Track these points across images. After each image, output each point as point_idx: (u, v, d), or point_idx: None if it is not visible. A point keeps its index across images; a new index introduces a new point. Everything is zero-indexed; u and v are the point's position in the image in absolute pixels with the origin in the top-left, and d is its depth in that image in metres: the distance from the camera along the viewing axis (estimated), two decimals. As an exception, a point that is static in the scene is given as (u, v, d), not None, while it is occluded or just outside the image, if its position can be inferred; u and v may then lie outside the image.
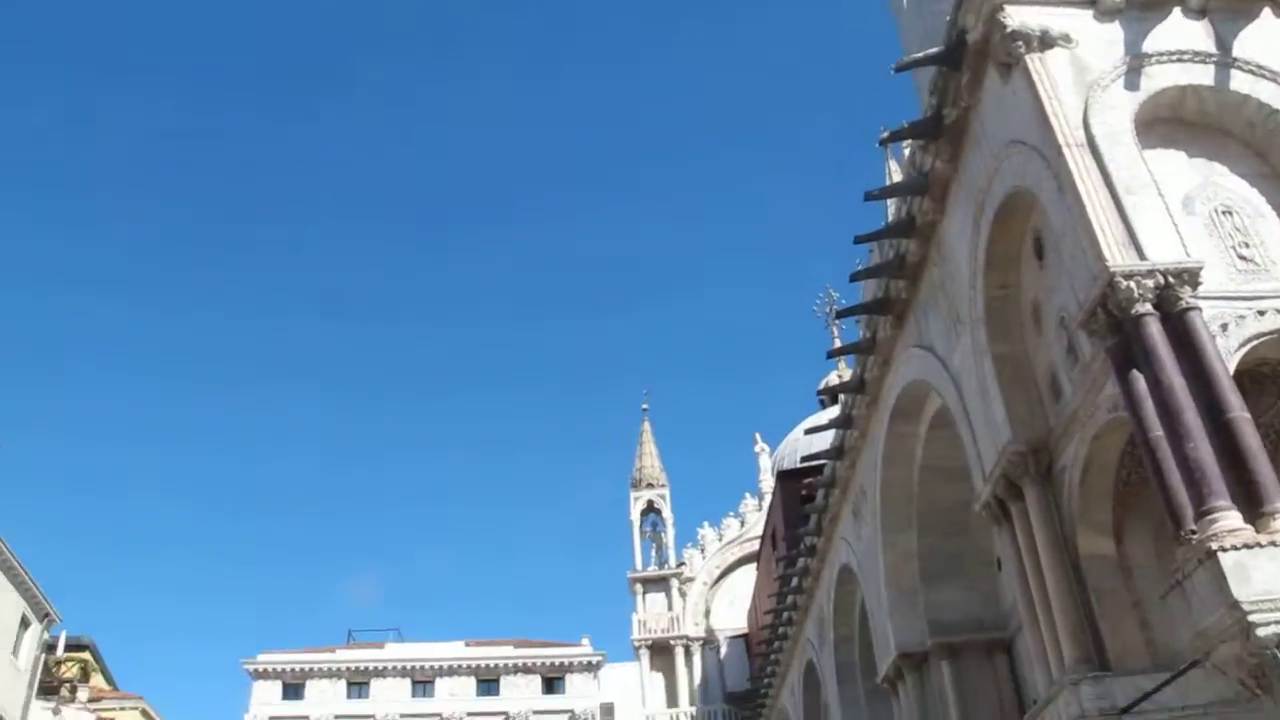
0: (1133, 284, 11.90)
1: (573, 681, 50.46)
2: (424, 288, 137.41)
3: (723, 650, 43.93)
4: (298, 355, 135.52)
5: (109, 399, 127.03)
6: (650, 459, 49.23)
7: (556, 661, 50.88)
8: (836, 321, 45.05)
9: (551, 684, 50.61)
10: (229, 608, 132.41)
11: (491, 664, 50.95)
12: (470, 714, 49.52)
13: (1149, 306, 11.86)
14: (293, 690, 51.17)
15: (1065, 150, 13.07)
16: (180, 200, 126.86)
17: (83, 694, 40.63)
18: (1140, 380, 11.81)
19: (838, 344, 34.55)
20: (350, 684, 51.29)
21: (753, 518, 46.11)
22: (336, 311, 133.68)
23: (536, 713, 49.35)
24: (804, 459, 32.57)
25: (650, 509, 47.75)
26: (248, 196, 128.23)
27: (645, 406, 51.93)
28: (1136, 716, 12.83)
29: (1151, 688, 12.53)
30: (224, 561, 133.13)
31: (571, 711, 49.33)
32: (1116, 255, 12.19)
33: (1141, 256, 12.17)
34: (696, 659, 43.80)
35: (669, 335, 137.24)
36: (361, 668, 51.28)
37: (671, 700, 43.09)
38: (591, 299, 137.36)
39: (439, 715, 49.57)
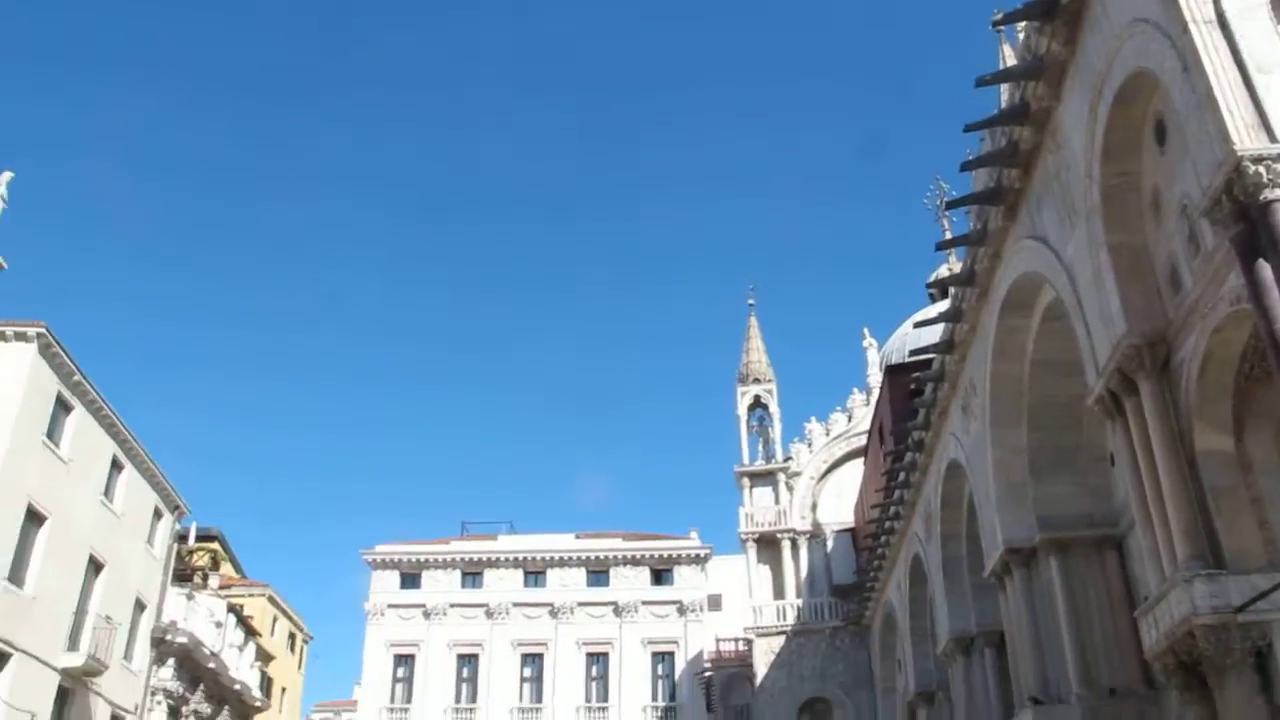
0: (1261, 168, 11.25)
1: (681, 573, 51.40)
2: (523, 180, 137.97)
3: (829, 544, 44.11)
4: (405, 248, 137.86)
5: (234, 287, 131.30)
6: (757, 354, 49.03)
7: (665, 554, 51.80)
8: (946, 213, 43.87)
9: (660, 575, 51.64)
10: (350, 499, 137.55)
11: (601, 555, 52.09)
12: (580, 603, 50.87)
13: (1279, 193, 11.23)
14: (410, 579, 53.02)
15: (1192, 27, 12.29)
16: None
17: (214, 581, 42.69)
18: (1267, 270, 11.24)
19: (948, 236, 33.69)
20: (464, 574, 52.93)
21: (860, 413, 45.81)
22: (439, 214, 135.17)
23: (645, 603, 50.49)
24: (912, 353, 32.03)
25: (757, 404, 47.71)
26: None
27: (751, 302, 51.55)
28: (1251, 615, 12.55)
29: (1268, 587, 12.21)
30: (343, 453, 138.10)
31: (679, 602, 50.33)
32: (1245, 138, 11.50)
33: (1272, 139, 11.47)
34: (803, 552, 44.07)
35: (777, 229, 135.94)
36: (475, 558, 52.83)
37: (778, 592, 43.54)
38: (699, 192, 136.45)
39: (550, 604, 51.03)
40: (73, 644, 30.21)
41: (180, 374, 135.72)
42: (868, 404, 44.85)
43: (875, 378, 44.97)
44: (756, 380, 47.96)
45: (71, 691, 30.31)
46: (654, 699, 49.17)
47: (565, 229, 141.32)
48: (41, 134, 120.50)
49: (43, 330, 28.12)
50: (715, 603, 51.98)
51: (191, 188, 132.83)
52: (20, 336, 27.99)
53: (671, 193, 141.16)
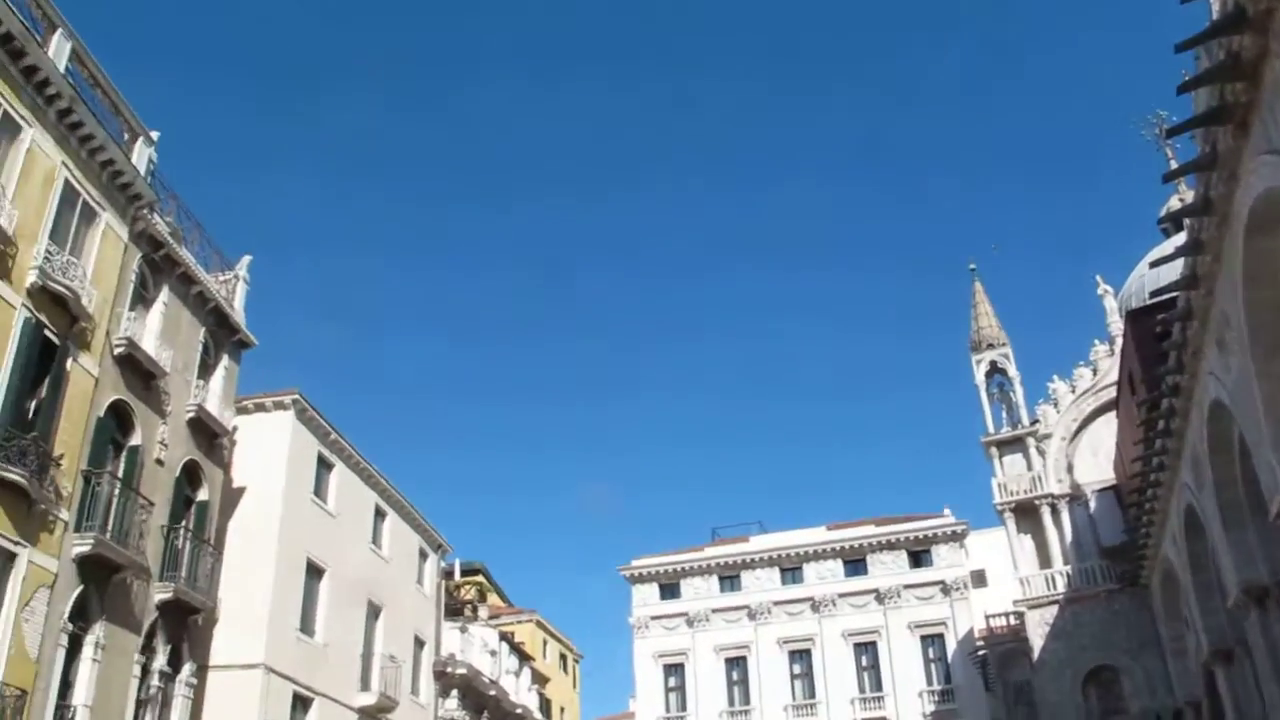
0: None
1: (939, 553, 50.12)
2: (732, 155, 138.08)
3: (1091, 504, 41.98)
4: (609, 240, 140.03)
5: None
6: (987, 319, 47.39)
7: (920, 535, 50.63)
8: (1168, 141, 41.24)
9: (918, 557, 50.49)
10: (598, 517, 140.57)
11: (856, 544, 51.39)
12: (840, 595, 50.32)
13: None
14: (669, 590, 53.77)
15: None
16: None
17: (483, 612, 44.52)
18: None
19: (1173, 165, 31.67)
20: (721, 578, 53.28)
21: (1105, 364, 43.50)
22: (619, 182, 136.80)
23: (906, 587, 49.46)
24: (1153, 294, 30.24)
25: (994, 370, 46.09)
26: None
27: (973, 267, 49.85)
28: None
29: None
30: (587, 471, 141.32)
31: (942, 582, 49.07)
32: None
33: None
34: (1064, 516, 42.14)
35: (993, 201, 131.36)
36: (730, 561, 53.09)
37: (1043, 561, 41.77)
38: (913, 174, 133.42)
39: (810, 599, 50.71)
40: (364, 684, 32.06)
41: (421, 403, 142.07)
42: (1112, 354, 42.58)
43: (1116, 325, 42.70)
44: (990, 345, 46.31)
45: (370, 729, 32.18)
46: (928, 683, 48.08)
47: (799, 212, 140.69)
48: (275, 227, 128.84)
49: (297, 397, 30.03)
50: (979, 579, 50.39)
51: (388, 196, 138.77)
52: (279, 405, 29.99)
53: (884, 174, 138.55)
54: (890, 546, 50.82)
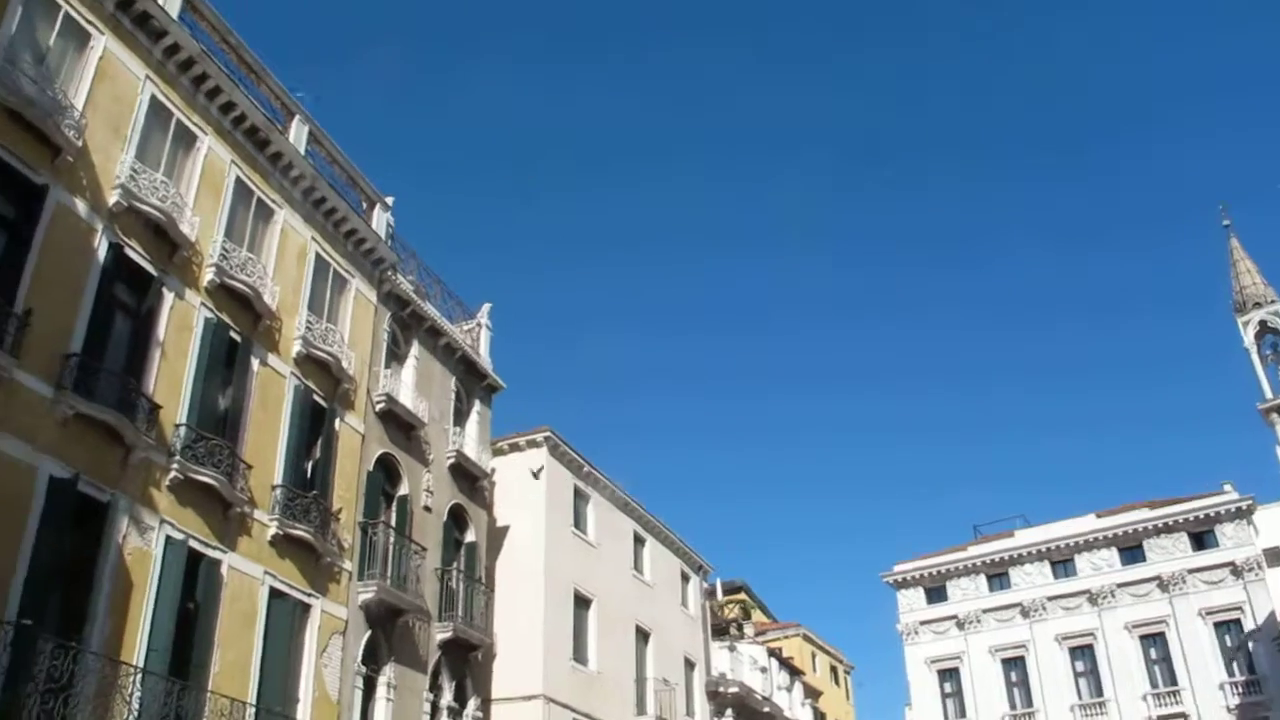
0: None
1: (1224, 532, 46.79)
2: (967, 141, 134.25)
3: (1398, 464, 38.48)
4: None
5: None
6: (1250, 276, 44.18)
7: (1201, 514, 47.43)
8: None
9: (1200, 539, 47.26)
10: (849, 523, 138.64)
11: (1130, 530, 48.67)
12: (1119, 584, 47.69)
13: None
14: (935, 593, 52.44)
15: None
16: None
17: (748, 629, 44.59)
18: None
19: None
20: (989, 576, 51.56)
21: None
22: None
23: (1190, 571, 46.36)
24: None
25: (1264, 330, 42.87)
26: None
27: (1226, 223, 46.68)
28: None
29: None
30: (843, 484, 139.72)
31: (1232, 563, 45.76)
32: None
33: None
34: (1366, 480, 38.78)
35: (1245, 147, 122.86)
36: (996, 559, 51.32)
37: (1348, 531, 38.47)
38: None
39: (1086, 591, 48.32)
40: (640, 708, 32.64)
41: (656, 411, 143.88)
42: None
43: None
44: (1257, 304, 43.11)
45: (651, 752, 32.71)
46: (1229, 674, 44.82)
47: (1016, 196, 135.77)
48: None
49: (549, 434, 31.03)
50: (1275, 557, 46.69)
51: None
52: (532, 444, 31.06)
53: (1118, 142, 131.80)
54: (1168, 529, 47.82)
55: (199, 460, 18.08)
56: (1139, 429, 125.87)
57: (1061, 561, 49.92)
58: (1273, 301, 43.14)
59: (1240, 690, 44.14)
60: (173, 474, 17.61)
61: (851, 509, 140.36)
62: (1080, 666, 48.09)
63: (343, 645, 21.38)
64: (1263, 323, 42.92)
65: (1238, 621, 45.25)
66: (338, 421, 22.60)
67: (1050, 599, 49.17)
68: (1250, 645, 44.59)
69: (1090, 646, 47.83)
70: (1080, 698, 47.35)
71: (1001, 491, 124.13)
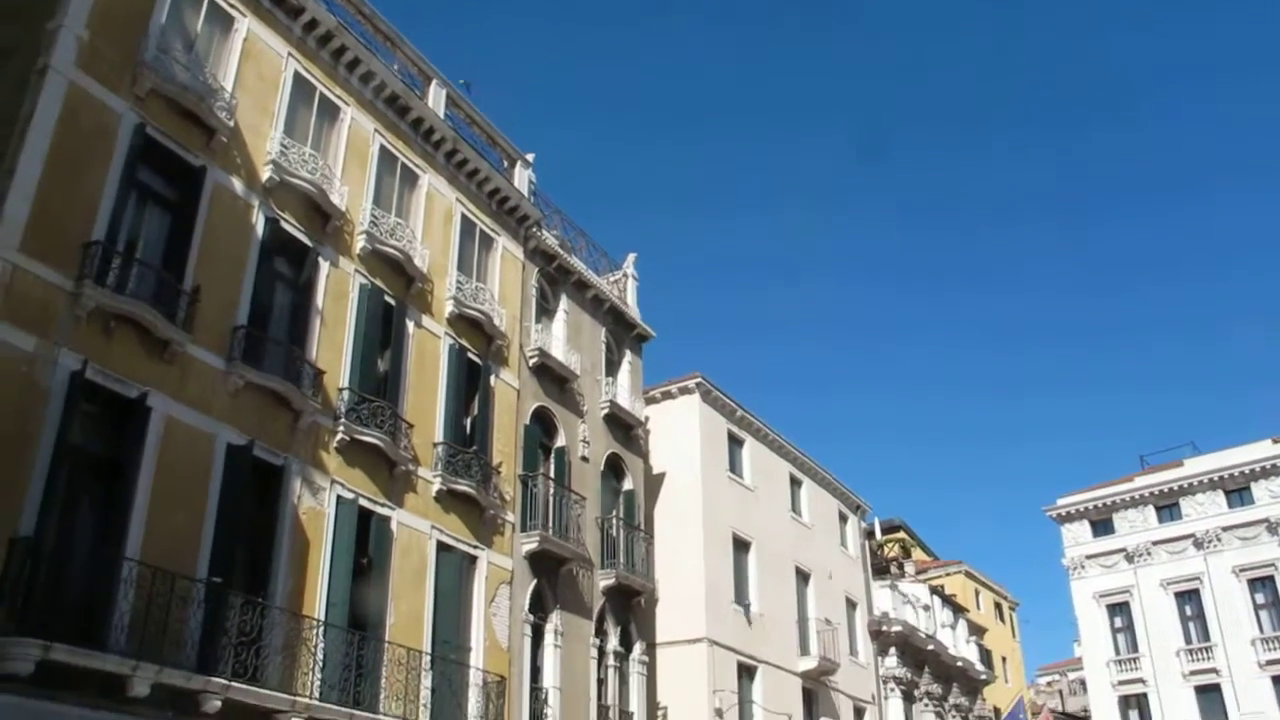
0: None
1: None
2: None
3: None
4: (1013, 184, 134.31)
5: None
6: None
7: (1391, 436, 44.93)
8: None
9: (1390, 462, 44.83)
10: (1012, 461, 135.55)
11: (1313, 455, 46.42)
12: (1302, 513, 45.59)
13: None
14: (1101, 526, 51.11)
15: None
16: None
17: (909, 568, 44.20)
18: None
19: None
20: (1158, 508, 49.95)
21: None
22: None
23: (1381, 498, 44.03)
24: None
25: None
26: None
27: None
28: None
29: None
30: (1002, 409, 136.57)
31: None
32: None
33: None
34: None
35: None
36: (1166, 490, 49.65)
37: None
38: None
39: (1265, 520, 46.31)
40: (804, 649, 32.73)
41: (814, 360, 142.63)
42: None
43: None
44: None
45: (813, 691, 32.80)
46: None
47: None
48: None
49: (700, 380, 31.12)
50: None
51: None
52: (684, 391, 31.21)
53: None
54: (1357, 455, 45.41)
55: (363, 422, 18.73)
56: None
57: (1237, 490, 47.91)
58: None
59: None
60: (339, 436, 18.29)
61: (1013, 447, 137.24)
62: (1261, 599, 46.28)
63: (510, 595, 21.99)
64: None
65: None
66: (493, 378, 23.09)
67: (1225, 529, 47.31)
68: None
69: (1271, 578, 45.94)
70: (1262, 631, 45.57)
71: (1171, 422, 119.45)
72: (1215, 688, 46.03)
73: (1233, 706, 45.25)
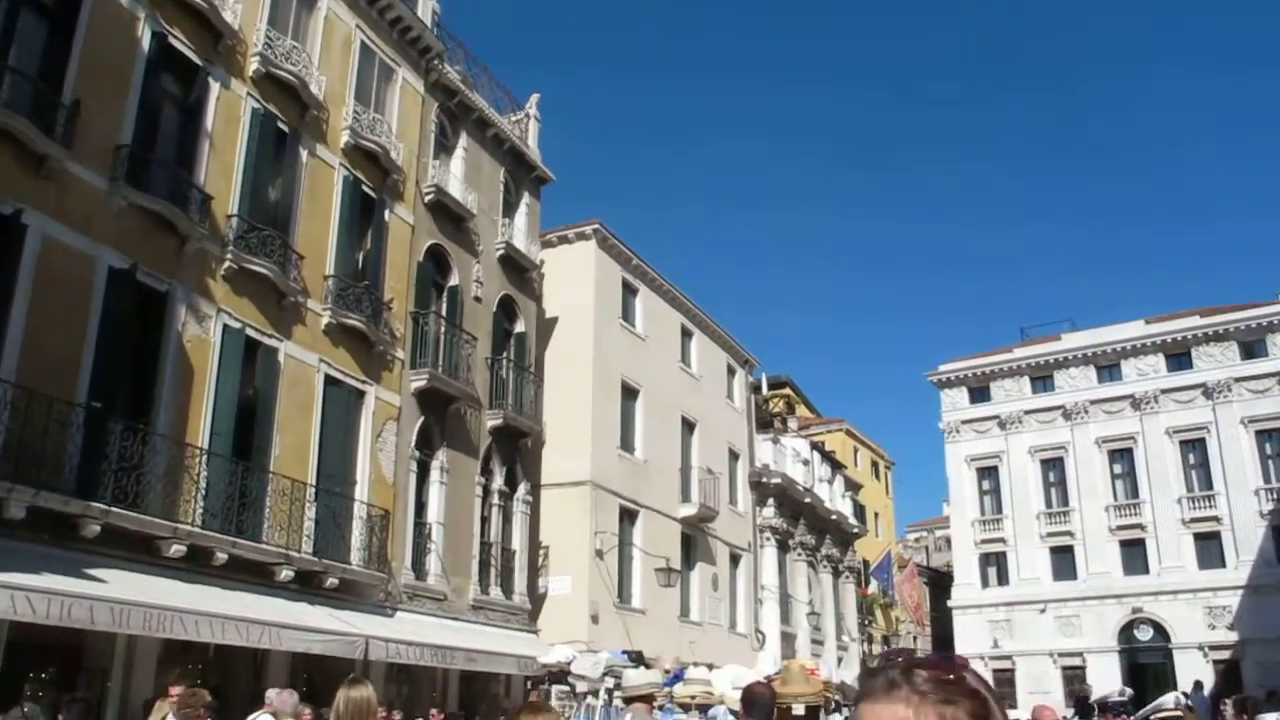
0: None
1: (1275, 342, 46.47)
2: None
3: None
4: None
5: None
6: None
7: (1253, 324, 47.01)
8: None
9: (1250, 348, 47.00)
10: (901, 326, 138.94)
11: (1178, 337, 48.46)
12: (1163, 390, 47.83)
13: None
14: (978, 393, 52.94)
15: None
16: None
17: (792, 423, 45.41)
18: None
19: None
20: (1033, 379, 51.85)
21: None
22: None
23: (1237, 380, 46.31)
24: None
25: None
26: None
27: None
28: None
29: None
30: (891, 279, 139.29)
31: (1279, 374, 45.69)
32: None
33: None
34: None
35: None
36: (1041, 361, 51.48)
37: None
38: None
39: (1130, 396, 48.55)
40: (685, 496, 33.72)
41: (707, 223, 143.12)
42: None
43: None
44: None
45: (692, 537, 33.95)
46: (1266, 481, 45.32)
47: None
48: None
49: (598, 226, 31.04)
50: (1323, 370, 46.45)
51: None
52: (581, 236, 31.13)
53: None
54: (1218, 338, 47.56)
55: (252, 250, 18.40)
56: (1203, 228, 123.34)
57: (1107, 366, 49.98)
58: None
59: (1275, 497, 44.75)
60: (227, 264, 17.96)
61: (899, 311, 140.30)
62: (1118, 469, 48.85)
63: (397, 431, 22.15)
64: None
65: (1279, 430, 45.50)
66: (387, 213, 22.75)
67: (1093, 403, 49.49)
68: (1291, 453, 44.93)
69: (1130, 450, 48.43)
70: (1116, 499, 48.28)
71: (1056, 292, 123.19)
72: (1069, 549, 48.85)
73: (1082, 566, 48.18)
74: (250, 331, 18.41)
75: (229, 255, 17.97)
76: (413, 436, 22.73)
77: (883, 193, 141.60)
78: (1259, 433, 45.89)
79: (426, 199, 24.27)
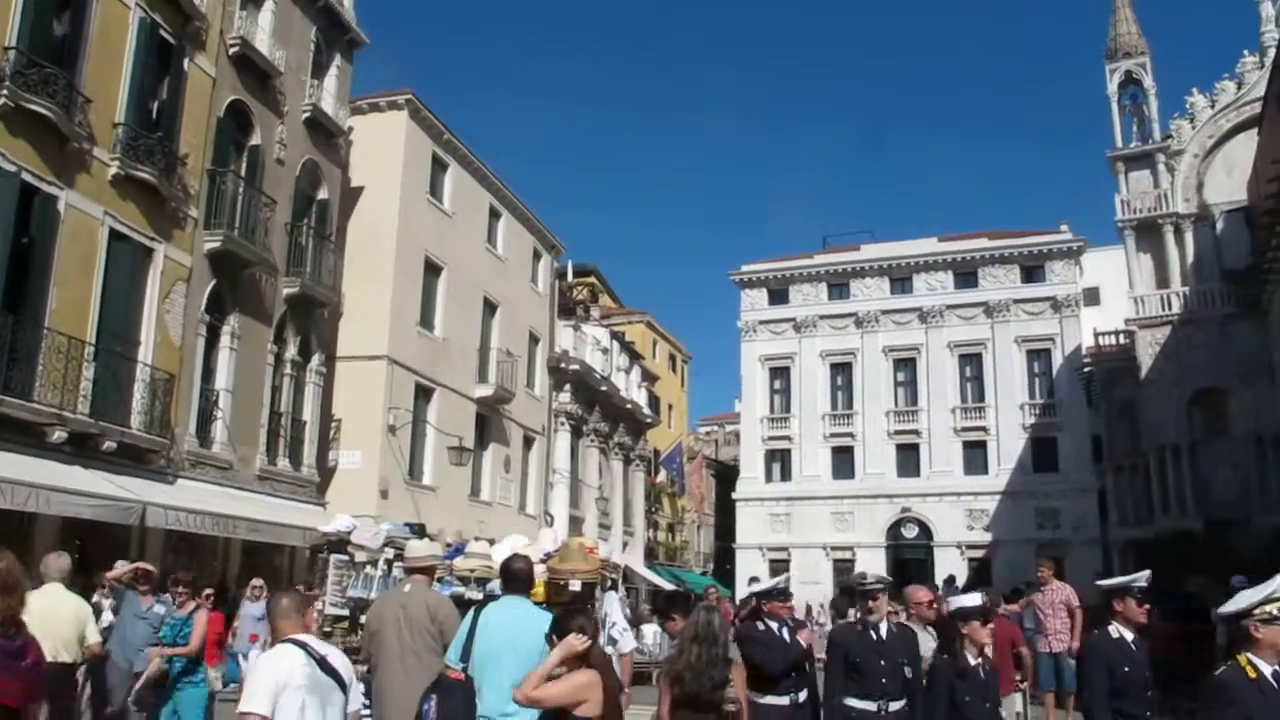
0: None
1: (1053, 269, 49.49)
2: None
3: (1218, 226, 40.48)
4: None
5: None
6: (1126, 24, 44.37)
7: (1034, 250, 49.88)
8: None
9: (1030, 273, 49.97)
10: (713, 228, 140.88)
11: (967, 257, 51.00)
12: (948, 306, 50.43)
13: None
14: (778, 295, 54.50)
15: None
16: None
17: (595, 312, 45.69)
18: None
19: None
20: (831, 286, 53.67)
21: (1253, 77, 40.68)
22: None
23: (1016, 301, 49.27)
24: (1314, 1, 28.01)
25: (1129, 80, 43.56)
26: None
27: (1117, -34, 46.34)
28: None
29: None
30: (703, 179, 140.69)
31: (1053, 298, 48.76)
32: None
33: None
34: (1188, 237, 40.77)
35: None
36: (840, 270, 53.30)
37: (1161, 282, 40.83)
38: None
39: (918, 309, 50.98)
40: (482, 376, 33.67)
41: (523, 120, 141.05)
42: (1262, 66, 39.85)
43: (1271, 36, 39.79)
44: (1127, 54, 43.57)
45: (487, 418, 34.03)
46: (1030, 396, 48.73)
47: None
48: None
49: (410, 97, 30.06)
50: (1092, 297, 49.84)
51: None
52: (393, 105, 30.09)
53: None
54: (1003, 260, 50.31)
55: (31, 89, 17.04)
56: (1001, 156, 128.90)
57: (900, 279, 52.22)
58: (1142, 54, 43.60)
59: (1037, 411, 48.17)
60: (2, 101, 16.63)
61: (707, 214, 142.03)
62: (902, 377, 51.48)
63: (186, 292, 21.21)
64: (1128, 73, 43.53)
65: (1048, 351, 48.82)
66: (186, 61, 21.42)
67: (884, 313, 51.75)
68: (1054, 373, 48.26)
69: (914, 360, 51.05)
70: (897, 405, 50.96)
71: (861, 204, 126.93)
72: (849, 450, 51.41)
73: (860, 467, 50.87)
74: (27, 176, 17.15)
75: (4, 91, 16.62)
76: (203, 300, 21.81)
77: (700, 93, 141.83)
78: (1029, 352, 49.10)
79: (231, 51, 22.94)
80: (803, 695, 7.60)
